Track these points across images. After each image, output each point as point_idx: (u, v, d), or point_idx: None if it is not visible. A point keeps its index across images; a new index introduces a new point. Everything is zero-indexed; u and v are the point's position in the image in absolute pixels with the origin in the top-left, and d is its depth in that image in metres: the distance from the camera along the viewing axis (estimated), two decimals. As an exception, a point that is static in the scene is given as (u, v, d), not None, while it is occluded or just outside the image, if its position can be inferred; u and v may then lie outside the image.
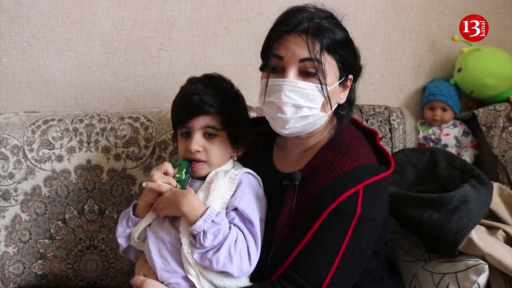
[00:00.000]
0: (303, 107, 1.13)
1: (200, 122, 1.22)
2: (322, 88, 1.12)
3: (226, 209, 1.18)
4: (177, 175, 1.21)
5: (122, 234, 1.29)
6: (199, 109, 1.22)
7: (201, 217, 1.10)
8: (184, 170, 1.22)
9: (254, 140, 1.34)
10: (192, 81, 1.30)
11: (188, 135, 1.24)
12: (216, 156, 1.24)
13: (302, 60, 1.11)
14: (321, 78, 1.11)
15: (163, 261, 1.18)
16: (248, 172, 1.25)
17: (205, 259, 1.11)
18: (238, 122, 1.26)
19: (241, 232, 1.14)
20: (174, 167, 1.25)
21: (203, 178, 1.25)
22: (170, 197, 1.17)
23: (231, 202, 1.18)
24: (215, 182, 1.20)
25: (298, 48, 1.11)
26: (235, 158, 1.31)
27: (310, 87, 1.12)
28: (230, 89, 1.30)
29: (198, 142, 1.22)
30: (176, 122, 1.28)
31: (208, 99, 1.22)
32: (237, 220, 1.15)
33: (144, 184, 1.21)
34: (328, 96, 1.14)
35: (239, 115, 1.27)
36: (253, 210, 1.17)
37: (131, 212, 1.27)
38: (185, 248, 1.14)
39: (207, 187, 1.20)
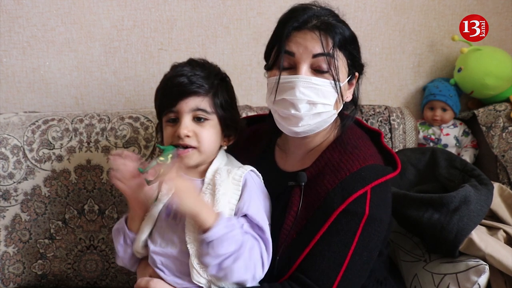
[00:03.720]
0: (317, 103, 1.11)
1: (189, 104, 1.14)
2: (336, 84, 1.11)
3: (234, 215, 1.12)
4: (161, 159, 1.10)
5: (125, 255, 1.22)
6: (187, 90, 1.14)
7: (215, 222, 1.03)
8: (170, 155, 1.11)
9: (253, 139, 1.31)
10: (176, 65, 1.22)
11: (176, 121, 1.16)
12: (208, 142, 1.16)
13: (315, 56, 1.10)
14: (334, 74, 1.10)
15: (171, 272, 1.13)
16: (251, 170, 1.19)
17: (220, 270, 1.05)
18: (229, 106, 1.20)
19: (255, 239, 1.09)
20: (159, 151, 1.16)
21: (202, 175, 1.18)
22: (186, 191, 1.06)
23: (239, 207, 1.12)
24: (220, 185, 1.13)
25: (310, 44, 1.10)
26: (225, 147, 1.24)
27: (324, 83, 1.11)
28: (219, 71, 1.24)
29: (187, 126, 1.13)
30: (162, 108, 1.19)
31: (196, 79, 1.14)
32: (246, 227, 1.10)
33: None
34: (341, 92, 1.13)
35: (230, 99, 1.21)
36: (263, 216, 1.12)
37: (127, 229, 1.19)
38: (194, 259, 1.08)
39: (212, 189, 1.14)
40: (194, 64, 1.21)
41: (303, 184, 1.15)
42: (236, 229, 1.06)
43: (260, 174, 1.22)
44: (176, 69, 1.21)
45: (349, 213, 1.08)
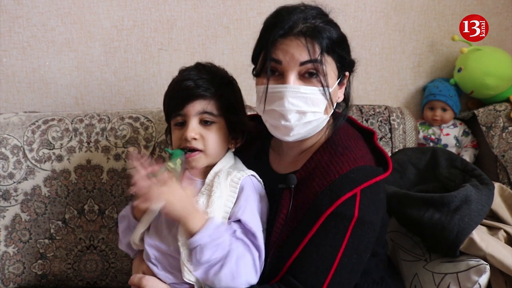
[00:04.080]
0: (307, 112, 1.09)
1: (196, 107, 1.15)
2: (325, 90, 1.09)
3: (229, 218, 1.13)
4: (171, 165, 1.11)
5: (125, 240, 1.25)
6: (194, 94, 1.15)
7: (201, 229, 1.05)
8: (179, 160, 1.13)
9: (249, 139, 1.30)
10: (184, 70, 1.24)
11: (183, 124, 1.17)
12: (214, 145, 1.17)
13: (302, 64, 1.07)
14: (323, 80, 1.08)
15: (163, 268, 1.15)
16: (252, 175, 1.19)
17: (207, 279, 1.07)
18: (235, 109, 1.21)
19: (246, 246, 1.09)
20: (168, 155, 1.17)
21: (204, 176, 1.19)
22: (175, 197, 1.06)
23: (234, 212, 1.12)
24: (216, 187, 1.14)
25: (297, 52, 1.07)
26: (233, 150, 1.25)
27: (312, 91, 1.09)
28: (225, 74, 1.25)
29: (194, 129, 1.15)
30: (170, 111, 1.21)
31: (202, 83, 1.16)
32: (239, 233, 1.10)
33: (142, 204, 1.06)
34: (330, 98, 1.11)
35: (236, 102, 1.22)
36: (257, 222, 1.12)
37: (131, 217, 1.22)
38: (185, 258, 1.09)
39: (209, 190, 1.14)
40: (201, 68, 1.22)
41: (292, 186, 1.14)
42: (224, 237, 1.07)
43: (261, 180, 1.21)
44: (183, 73, 1.22)
45: (338, 216, 1.07)
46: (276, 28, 1.09)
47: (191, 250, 1.06)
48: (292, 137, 1.13)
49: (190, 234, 1.06)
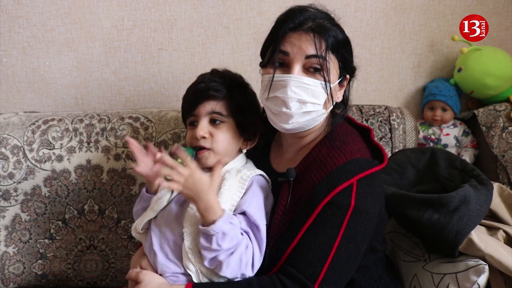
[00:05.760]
0: (307, 102, 1.15)
1: (206, 107, 1.23)
2: (326, 85, 1.15)
3: (234, 211, 1.16)
4: (180, 160, 1.17)
5: (136, 212, 1.32)
6: (204, 95, 1.23)
7: (221, 217, 1.06)
8: (190, 157, 1.18)
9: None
10: (200, 75, 1.33)
11: (195, 124, 1.25)
12: (222, 144, 1.23)
13: (308, 57, 1.14)
14: (325, 75, 1.14)
15: (164, 256, 1.17)
16: (261, 175, 1.24)
17: (215, 261, 1.08)
18: (245, 110, 1.26)
19: (249, 240, 1.12)
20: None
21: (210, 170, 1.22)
22: (199, 180, 1.08)
23: (239, 204, 1.16)
24: (227, 180, 1.18)
25: (304, 45, 1.13)
26: (245, 151, 1.29)
27: (314, 83, 1.14)
28: (238, 78, 1.32)
29: (203, 127, 1.22)
30: (185, 113, 1.29)
31: (213, 85, 1.24)
32: (244, 225, 1.13)
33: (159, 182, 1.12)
34: (330, 93, 1.16)
35: (246, 103, 1.27)
36: (261, 216, 1.16)
37: (144, 190, 1.29)
38: (187, 244, 1.13)
39: (219, 183, 1.17)
40: (215, 72, 1.31)
41: (291, 179, 1.18)
42: (238, 228, 1.10)
43: (269, 180, 1.25)
44: (198, 78, 1.31)
45: (335, 205, 1.10)
46: (287, 22, 1.16)
47: (209, 236, 1.06)
48: (291, 124, 1.17)
49: (210, 221, 1.07)
